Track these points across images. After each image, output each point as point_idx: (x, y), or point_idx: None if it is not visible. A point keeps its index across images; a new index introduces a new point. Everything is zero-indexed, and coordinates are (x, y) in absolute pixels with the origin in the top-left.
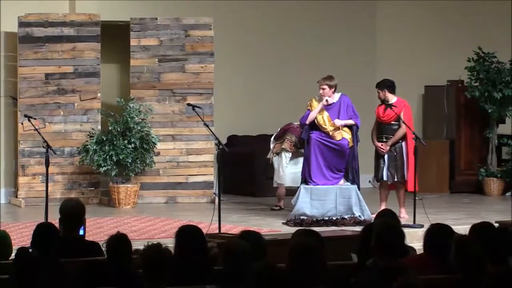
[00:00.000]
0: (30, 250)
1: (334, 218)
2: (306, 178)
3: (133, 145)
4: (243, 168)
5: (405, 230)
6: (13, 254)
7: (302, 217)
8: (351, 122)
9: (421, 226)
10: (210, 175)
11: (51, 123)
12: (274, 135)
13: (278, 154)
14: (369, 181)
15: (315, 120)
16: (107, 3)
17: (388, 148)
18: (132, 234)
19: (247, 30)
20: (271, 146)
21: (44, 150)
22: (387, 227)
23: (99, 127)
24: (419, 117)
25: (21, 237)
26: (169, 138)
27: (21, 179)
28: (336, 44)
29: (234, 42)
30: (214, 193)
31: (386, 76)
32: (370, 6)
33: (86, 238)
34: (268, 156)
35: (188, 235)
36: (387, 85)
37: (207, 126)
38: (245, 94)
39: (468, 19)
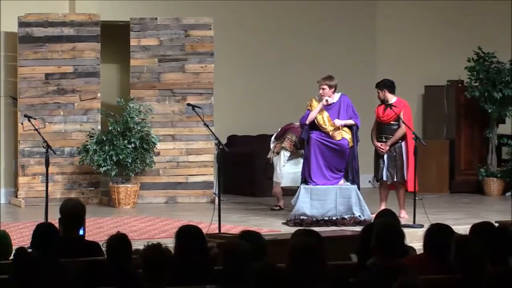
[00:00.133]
0: (30, 250)
1: (334, 218)
2: (306, 178)
3: (133, 145)
4: (243, 168)
5: (405, 230)
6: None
7: (302, 217)
8: (351, 122)
9: (421, 226)
10: (210, 175)
11: (51, 123)
12: (274, 135)
13: (278, 153)
14: (369, 181)
15: (315, 120)
16: (107, 3)
17: (387, 148)
18: (132, 234)
19: (247, 30)
20: (271, 146)
21: (44, 150)
22: (387, 227)
23: (99, 127)
24: (419, 117)
25: (21, 237)
26: (169, 138)
27: (21, 179)
28: (336, 44)
29: (234, 42)
30: (214, 193)
31: (386, 76)
32: (370, 6)
33: (86, 238)
34: (268, 156)
35: (188, 235)
36: (387, 85)
37: (207, 126)
38: (245, 94)
39: (468, 19)
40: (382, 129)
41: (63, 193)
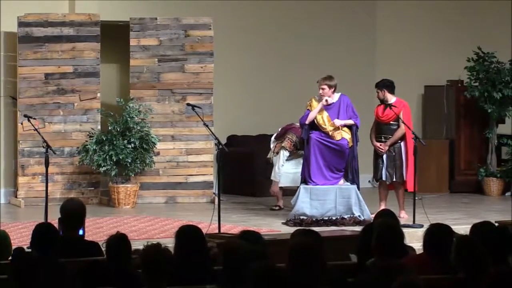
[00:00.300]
0: (29, 250)
1: (334, 218)
2: (305, 178)
3: (132, 145)
4: (242, 168)
5: (405, 230)
6: None
7: (301, 217)
8: (350, 122)
9: (421, 226)
10: (209, 175)
11: (50, 123)
12: (275, 135)
13: (277, 153)
14: (369, 181)
15: (315, 120)
16: (106, 3)
17: (387, 148)
18: (132, 234)
19: (247, 30)
20: (272, 145)
21: (43, 150)
22: (386, 227)
23: (99, 127)
24: (419, 117)
25: (20, 237)
26: (169, 138)
27: (21, 179)
28: (336, 44)
29: (234, 42)
30: (214, 193)
31: (386, 76)
32: (370, 6)
33: (86, 238)
34: (268, 156)
35: (188, 235)
36: (386, 85)
37: (207, 126)
38: (244, 94)
39: (468, 19)
40: (381, 129)
41: (63, 193)
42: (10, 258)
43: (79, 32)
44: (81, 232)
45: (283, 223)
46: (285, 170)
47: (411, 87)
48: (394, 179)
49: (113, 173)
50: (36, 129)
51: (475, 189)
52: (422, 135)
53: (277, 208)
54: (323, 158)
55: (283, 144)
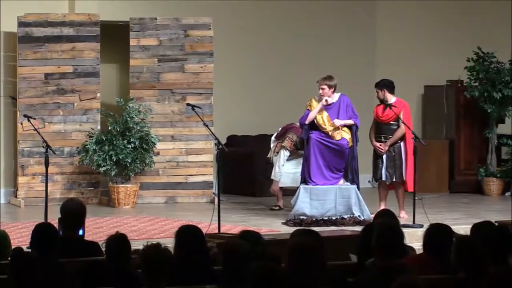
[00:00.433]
0: (29, 250)
1: (334, 218)
2: (305, 178)
3: (132, 145)
4: (242, 168)
5: (405, 230)
6: None
7: (301, 217)
8: (350, 122)
9: (421, 226)
10: (209, 175)
11: (50, 123)
12: (275, 134)
13: (278, 153)
14: (369, 181)
15: (315, 120)
16: (106, 3)
17: (386, 148)
18: (132, 234)
19: (247, 30)
20: (272, 145)
21: (43, 150)
22: (386, 227)
23: (99, 127)
24: (419, 117)
25: (20, 237)
26: (169, 138)
27: (21, 179)
28: (336, 44)
29: (234, 42)
30: (214, 193)
31: (386, 76)
32: (370, 6)
33: (86, 238)
34: (268, 156)
35: (188, 235)
36: (386, 85)
37: (207, 126)
38: (244, 94)
39: (468, 19)
40: (381, 129)
41: (63, 193)
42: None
43: (79, 32)
44: (81, 232)
45: (283, 223)
46: (285, 170)
47: (411, 87)
48: (394, 179)
49: (113, 173)
50: (36, 129)
51: (475, 189)
52: (422, 135)
53: (277, 208)
54: (323, 158)
55: (283, 144)
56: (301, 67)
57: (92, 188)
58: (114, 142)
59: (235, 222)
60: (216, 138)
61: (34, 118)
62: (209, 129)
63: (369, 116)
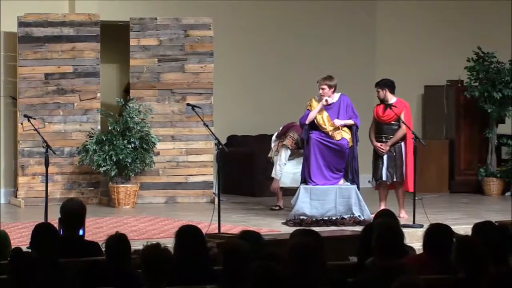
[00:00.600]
0: (29, 250)
1: (334, 218)
2: (305, 178)
3: (132, 145)
4: (243, 168)
5: (405, 230)
6: None
7: (301, 217)
8: (350, 122)
9: (421, 226)
10: (209, 175)
11: (50, 123)
12: (276, 133)
13: (279, 152)
14: (369, 181)
15: (315, 120)
16: (106, 3)
17: (387, 148)
18: (132, 234)
19: (247, 30)
20: (272, 144)
21: (43, 150)
22: (386, 227)
23: (99, 127)
24: (419, 117)
25: (20, 237)
26: (169, 138)
27: (21, 179)
28: (336, 44)
29: (234, 42)
30: (214, 193)
31: (386, 76)
32: (370, 6)
33: (86, 238)
34: (269, 155)
35: (188, 235)
36: (388, 85)
37: (207, 126)
38: (245, 94)
39: (468, 19)
40: (381, 129)
41: (63, 193)
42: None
43: (79, 32)
44: (81, 232)
45: (283, 223)
46: (286, 170)
47: (411, 87)
48: (395, 179)
49: (113, 173)
50: (36, 129)
51: (475, 189)
52: (422, 135)
53: (277, 208)
54: (323, 158)
55: (284, 142)
56: (301, 67)
57: (92, 188)
58: (114, 142)
59: (235, 222)
60: (216, 138)
61: (34, 118)
62: (209, 129)
63: (369, 116)
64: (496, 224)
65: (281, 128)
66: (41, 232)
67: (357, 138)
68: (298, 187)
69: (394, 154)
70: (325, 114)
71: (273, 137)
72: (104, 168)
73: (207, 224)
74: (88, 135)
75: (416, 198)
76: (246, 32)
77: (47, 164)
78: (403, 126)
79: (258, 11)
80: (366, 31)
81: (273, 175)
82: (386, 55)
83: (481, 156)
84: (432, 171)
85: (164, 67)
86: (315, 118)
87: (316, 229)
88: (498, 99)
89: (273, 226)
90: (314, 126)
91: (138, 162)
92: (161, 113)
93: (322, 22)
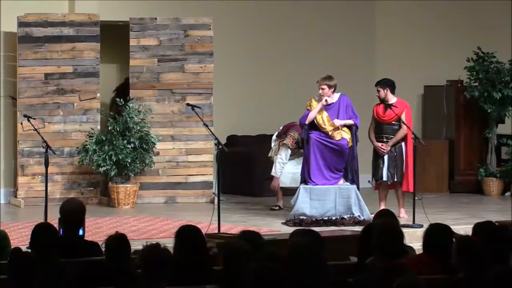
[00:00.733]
0: (29, 250)
1: (334, 218)
2: (305, 178)
3: (132, 145)
4: (242, 168)
5: (405, 230)
6: None
7: (301, 217)
8: (350, 122)
9: (421, 226)
10: (209, 175)
11: (50, 123)
12: (276, 133)
13: (279, 151)
14: (368, 181)
15: (315, 120)
16: (106, 3)
17: (388, 148)
18: (131, 234)
19: (247, 30)
20: (273, 144)
21: (43, 150)
22: (386, 227)
23: (99, 127)
24: (419, 117)
25: (20, 237)
26: (169, 138)
27: (21, 179)
28: (336, 44)
29: (234, 42)
30: (214, 193)
31: (385, 76)
32: (370, 6)
33: (85, 238)
34: (269, 155)
35: (188, 235)
36: (389, 84)
37: (207, 126)
38: (244, 94)
39: (468, 19)
40: (382, 129)
41: (63, 193)
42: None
43: (79, 32)
44: (81, 232)
45: (283, 223)
46: (285, 170)
47: (411, 87)
48: (396, 179)
49: (112, 173)
50: (35, 129)
51: (475, 189)
52: (422, 135)
53: (277, 208)
54: (323, 158)
55: (285, 141)
56: (301, 67)
57: (92, 188)
58: (114, 142)
59: (235, 222)
60: (216, 138)
61: (34, 118)
62: (209, 129)
63: (369, 116)
64: (497, 224)
65: (281, 128)
66: (41, 232)
67: (357, 138)
68: (297, 187)
69: (395, 154)
70: (325, 114)
71: (274, 137)
72: (103, 168)
73: (207, 224)
74: (88, 135)
75: (416, 198)
76: (246, 32)
77: (47, 164)
78: (404, 127)
79: (258, 11)
80: (366, 31)
81: (273, 173)
82: (386, 55)
83: (481, 156)
84: (432, 171)
85: (164, 67)
86: (315, 118)
87: (316, 229)
88: (498, 99)
89: (273, 226)
90: (314, 126)
91: (138, 162)
92: (161, 113)
93: (322, 22)
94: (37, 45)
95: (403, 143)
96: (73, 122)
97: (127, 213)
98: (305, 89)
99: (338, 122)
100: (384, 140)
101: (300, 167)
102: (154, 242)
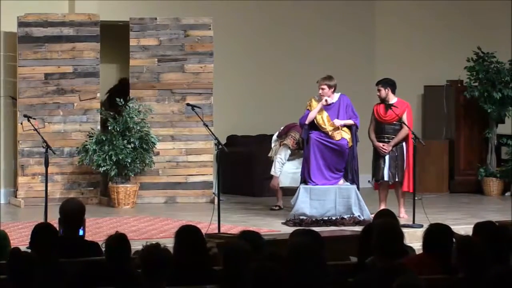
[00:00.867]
0: (29, 250)
1: (334, 218)
2: (305, 178)
3: (132, 145)
4: (242, 168)
5: (405, 230)
6: None
7: (301, 217)
8: (350, 122)
9: (421, 226)
10: (209, 175)
11: (50, 123)
12: (277, 133)
13: (279, 150)
14: (368, 181)
15: (315, 120)
16: (106, 3)
17: (390, 148)
18: (131, 234)
19: (247, 30)
20: (273, 144)
21: (43, 150)
22: (386, 227)
23: (99, 127)
24: (419, 117)
25: (20, 237)
26: (169, 138)
27: (21, 179)
28: (336, 44)
29: (234, 42)
30: (214, 193)
31: (385, 76)
32: (370, 6)
33: (86, 238)
34: (269, 155)
35: (188, 235)
36: (390, 84)
37: (207, 126)
38: (244, 94)
39: (468, 19)
40: (383, 129)
41: (63, 193)
42: None
43: (79, 32)
44: (81, 232)
45: (283, 223)
46: (285, 170)
47: (411, 87)
48: (397, 179)
49: (112, 173)
50: (35, 129)
51: (475, 189)
52: (422, 135)
53: (277, 208)
54: (323, 158)
55: (285, 142)
56: (301, 67)
57: (92, 188)
58: (114, 142)
59: (235, 222)
60: (216, 138)
61: (34, 118)
62: (209, 129)
63: (369, 116)
64: (497, 224)
65: (282, 128)
66: (41, 232)
67: (357, 138)
68: (297, 187)
69: (396, 154)
70: (325, 114)
71: (274, 137)
72: (103, 168)
73: (207, 224)
74: (88, 135)
75: (416, 198)
76: (246, 32)
77: (47, 164)
78: (405, 127)
79: (258, 11)
80: (366, 31)
81: (272, 172)
82: (386, 55)
83: (481, 156)
84: (432, 171)
85: (164, 67)
86: (315, 118)
87: (316, 229)
88: (498, 99)
89: (273, 226)
90: (314, 126)
91: (138, 162)
92: (161, 113)
93: (322, 22)
94: (37, 45)
95: (404, 143)
96: (73, 122)
97: (127, 213)
98: (305, 89)
99: (338, 122)
100: (386, 140)
101: (300, 167)
102: (154, 242)
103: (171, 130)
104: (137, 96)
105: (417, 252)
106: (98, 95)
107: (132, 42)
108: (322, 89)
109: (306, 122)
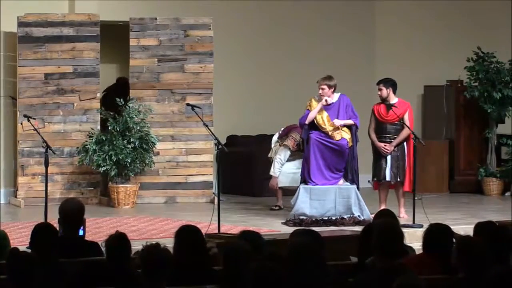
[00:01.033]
0: (29, 250)
1: (334, 218)
2: (305, 178)
3: (132, 145)
4: (242, 168)
5: (405, 230)
6: None
7: (301, 217)
8: (350, 122)
9: (421, 226)
10: (209, 175)
11: (50, 123)
12: (277, 134)
13: (279, 151)
14: (368, 181)
15: (315, 120)
16: (106, 3)
17: (392, 148)
18: (131, 234)
19: (247, 30)
20: (273, 145)
21: (43, 150)
22: (386, 227)
23: (99, 127)
24: (419, 117)
25: (20, 237)
26: (169, 138)
27: (21, 179)
28: (336, 44)
29: (234, 42)
30: (214, 193)
31: (386, 76)
32: (370, 6)
33: (86, 238)
34: (269, 155)
35: (188, 235)
36: (392, 84)
37: (207, 126)
38: (244, 94)
39: (468, 19)
40: (384, 129)
41: (63, 193)
42: None
43: (79, 32)
44: (81, 232)
45: (283, 223)
46: (285, 170)
47: (411, 87)
48: (398, 179)
49: (112, 173)
50: (35, 129)
51: (475, 189)
52: (422, 135)
53: (277, 208)
54: (323, 158)
55: (285, 143)
56: (301, 67)
57: (92, 188)
58: (114, 142)
59: (235, 222)
60: (216, 138)
61: (34, 118)
62: (209, 129)
63: (369, 116)
64: (497, 224)
65: (282, 129)
66: (41, 232)
67: (357, 138)
68: (297, 187)
69: (398, 154)
70: (324, 114)
71: (274, 137)
72: (103, 168)
73: (206, 224)
74: (87, 135)
75: (416, 198)
76: (246, 32)
77: (46, 164)
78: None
79: (258, 11)
80: (366, 31)
81: (271, 172)
82: (386, 55)
83: (481, 156)
84: (432, 171)
85: (164, 67)
86: (315, 118)
87: (316, 229)
88: (498, 99)
89: (273, 226)
90: (313, 126)
91: (138, 162)
92: (161, 113)
93: (322, 22)
94: (37, 45)
95: (405, 143)
96: (73, 122)
97: (127, 213)
98: (305, 89)
99: (338, 122)
100: (387, 140)
101: (300, 167)
102: (154, 242)
103: (171, 130)
104: (137, 96)
105: (417, 252)
106: (98, 95)
107: (132, 42)
108: (322, 89)
109: (306, 122)
